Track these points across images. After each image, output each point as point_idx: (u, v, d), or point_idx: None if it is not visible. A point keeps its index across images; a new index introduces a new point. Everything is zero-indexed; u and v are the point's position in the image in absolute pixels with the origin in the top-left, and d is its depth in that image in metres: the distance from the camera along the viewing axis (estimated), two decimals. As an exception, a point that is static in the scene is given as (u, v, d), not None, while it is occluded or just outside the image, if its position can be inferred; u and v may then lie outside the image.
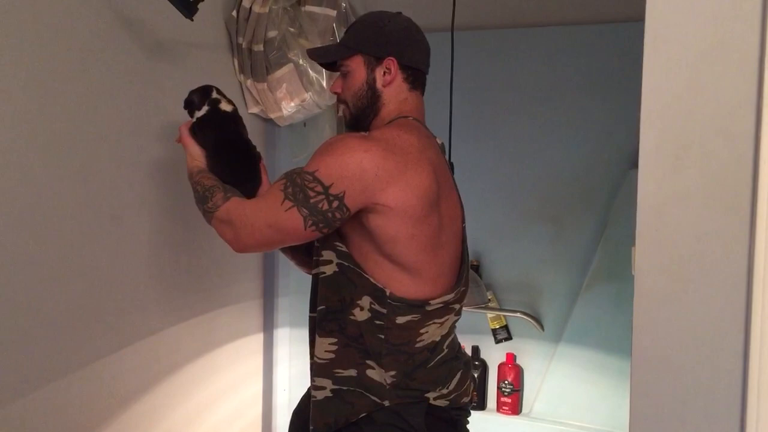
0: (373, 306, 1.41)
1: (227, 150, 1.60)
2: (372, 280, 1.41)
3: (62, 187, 1.58)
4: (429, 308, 1.44)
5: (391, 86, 1.49)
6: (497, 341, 2.51)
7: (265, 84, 2.25)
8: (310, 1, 2.26)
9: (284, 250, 1.71)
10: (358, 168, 1.31)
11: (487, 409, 2.52)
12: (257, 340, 2.58)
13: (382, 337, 1.42)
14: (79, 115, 1.61)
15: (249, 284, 2.50)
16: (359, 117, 1.52)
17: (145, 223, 1.87)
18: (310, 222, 1.33)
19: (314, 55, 1.59)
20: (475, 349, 2.53)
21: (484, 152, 2.44)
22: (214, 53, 2.21)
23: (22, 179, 1.47)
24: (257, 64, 2.23)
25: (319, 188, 1.32)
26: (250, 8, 2.21)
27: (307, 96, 2.24)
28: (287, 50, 2.21)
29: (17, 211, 1.46)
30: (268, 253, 2.55)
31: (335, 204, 1.32)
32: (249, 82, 2.27)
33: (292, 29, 2.24)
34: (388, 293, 1.40)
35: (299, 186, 1.33)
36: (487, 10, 2.43)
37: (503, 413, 2.48)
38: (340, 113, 1.62)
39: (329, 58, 1.57)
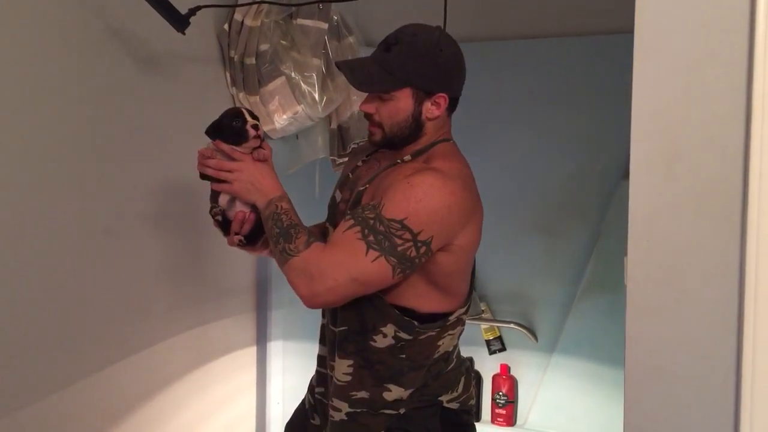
0: (398, 333, 1.39)
1: None
2: (397, 311, 1.38)
3: (54, 200, 1.57)
4: (448, 323, 1.44)
5: (438, 118, 1.42)
6: (491, 352, 2.51)
7: (258, 97, 2.25)
8: (302, 15, 2.26)
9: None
10: (447, 212, 1.29)
11: (481, 420, 2.50)
12: (250, 353, 2.56)
13: (403, 356, 1.41)
14: (70, 128, 1.61)
15: (242, 297, 2.49)
16: (395, 141, 1.43)
17: (137, 236, 1.87)
18: (398, 270, 1.27)
19: (354, 80, 1.41)
20: (470, 361, 2.52)
21: (476, 164, 2.42)
22: (206, 66, 2.21)
23: (14, 192, 1.46)
24: (249, 77, 2.23)
25: (408, 236, 1.26)
26: (242, 21, 2.22)
27: (300, 108, 2.24)
28: (279, 63, 2.21)
29: (7, 224, 1.46)
30: (261, 266, 2.54)
31: (423, 249, 1.28)
32: (241, 95, 2.27)
33: (284, 42, 2.24)
34: (416, 324, 1.38)
35: (383, 234, 1.26)
36: (478, 23, 2.44)
37: (498, 425, 2.47)
38: (360, 129, 1.51)
39: (374, 90, 1.40)
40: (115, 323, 1.79)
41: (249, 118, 1.42)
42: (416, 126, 1.40)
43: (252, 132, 1.41)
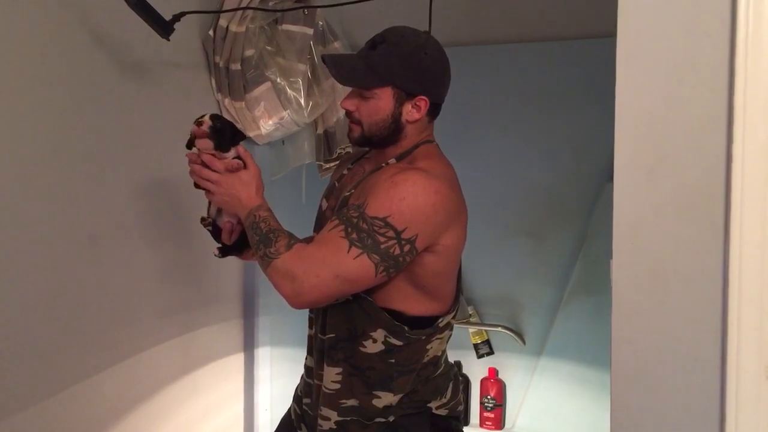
0: (388, 339, 1.39)
1: None
2: (388, 315, 1.37)
3: (39, 206, 1.56)
4: (437, 328, 1.44)
5: (417, 122, 1.42)
6: (479, 356, 2.51)
7: (243, 102, 2.24)
8: (287, 20, 2.26)
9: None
10: (432, 210, 1.29)
11: (470, 424, 2.50)
12: (238, 360, 2.55)
13: (393, 361, 1.41)
14: (55, 135, 1.60)
15: (229, 304, 2.48)
16: (373, 140, 1.43)
17: (122, 243, 1.85)
18: (381, 268, 1.27)
19: (338, 75, 1.42)
20: (457, 365, 2.52)
21: (461, 168, 2.43)
22: (191, 72, 2.20)
23: (-4, 201, 1.46)
24: (235, 83, 2.23)
25: (391, 233, 1.26)
26: (227, 27, 2.21)
27: (285, 114, 2.24)
28: (264, 69, 2.21)
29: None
30: (248, 272, 2.53)
31: (407, 248, 1.28)
32: (227, 101, 2.27)
33: (269, 48, 2.24)
34: (407, 329, 1.38)
35: (366, 231, 1.26)
36: (463, 28, 2.45)
37: (486, 428, 2.47)
38: (345, 129, 1.53)
39: (356, 84, 1.41)
40: (101, 330, 1.78)
41: (204, 118, 1.40)
42: (395, 127, 1.41)
43: (194, 128, 1.39)
